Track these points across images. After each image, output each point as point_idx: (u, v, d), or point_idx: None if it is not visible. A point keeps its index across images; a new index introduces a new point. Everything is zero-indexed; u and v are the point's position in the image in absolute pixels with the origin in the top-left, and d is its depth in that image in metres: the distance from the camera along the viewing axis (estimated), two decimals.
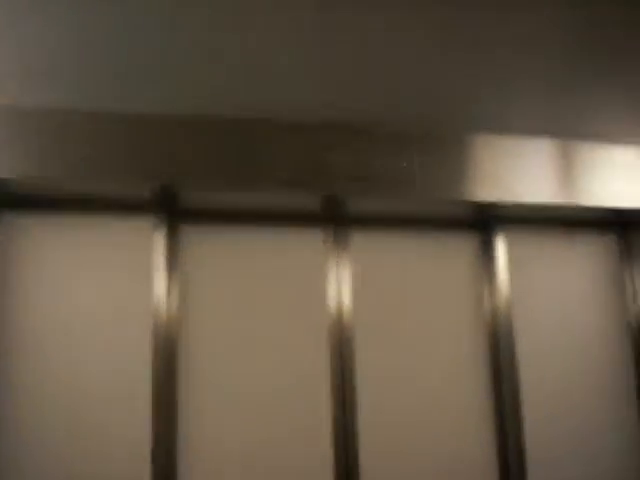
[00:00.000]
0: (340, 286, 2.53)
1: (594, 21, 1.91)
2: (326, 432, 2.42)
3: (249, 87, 2.17)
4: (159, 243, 2.36)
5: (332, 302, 2.51)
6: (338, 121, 2.41)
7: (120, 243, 2.36)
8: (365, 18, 1.84)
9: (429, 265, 2.65)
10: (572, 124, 2.55)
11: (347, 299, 2.52)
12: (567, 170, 2.60)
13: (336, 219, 2.57)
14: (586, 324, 2.76)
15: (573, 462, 2.65)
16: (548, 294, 2.74)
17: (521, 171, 2.55)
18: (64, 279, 2.29)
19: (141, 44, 1.91)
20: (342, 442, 2.41)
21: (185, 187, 2.26)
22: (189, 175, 2.26)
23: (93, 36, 1.84)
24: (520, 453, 2.55)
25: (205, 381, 2.36)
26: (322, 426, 2.42)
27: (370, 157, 2.40)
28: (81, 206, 2.35)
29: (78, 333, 2.27)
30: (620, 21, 1.90)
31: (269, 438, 2.38)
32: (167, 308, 2.34)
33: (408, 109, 2.36)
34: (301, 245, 2.53)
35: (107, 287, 2.32)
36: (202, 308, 2.41)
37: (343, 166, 2.38)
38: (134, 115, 2.25)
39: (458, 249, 2.70)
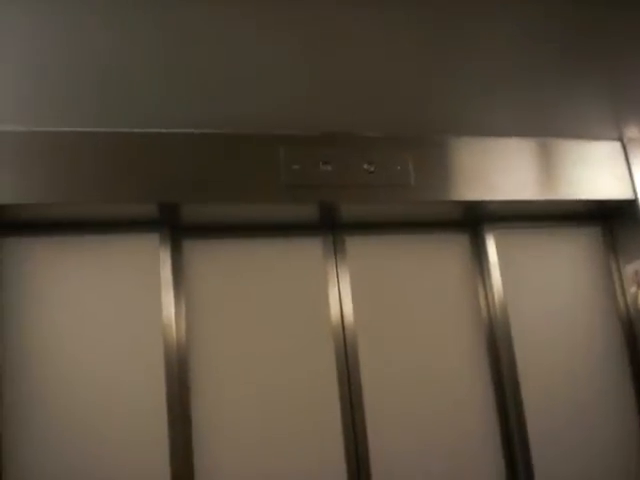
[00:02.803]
0: (341, 292, 2.61)
1: (567, 24, 2.01)
2: (337, 438, 2.47)
3: (246, 102, 2.25)
4: (165, 259, 2.44)
5: (334, 308, 2.58)
6: (333, 131, 2.51)
7: (126, 261, 2.42)
8: (355, 31, 1.93)
9: (424, 266, 2.74)
10: (551, 123, 2.67)
11: (348, 304, 2.60)
12: (549, 167, 2.72)
13: (333, 226, 2.66)
14: (578, 315, 2.85)
15: (575, 450, 2.71)
16: (539, 288, 2.83)
17: (506, 170, 2.66)
18: (73, 301, 2.35)
19: (137, 63, 1.98)
20: (353, 445, 2.46)
21: (187, 202, 2.35)
22: (190, 190, 2.34)
23: (87, 56, 1.90)
24: (524, 443, 2.61)
25: (217, 392, 2.41)
26: (332, 432, 2.47)
27: (365, 162, 2.50)
28: (85, 228, 2.41)
29: (90, 354, 2.32)
30: (592, 22, 2.01)
31: (279, 442, 2.42)
32: (176, 322, 2.40)
33: (398, 116, 2.47)
34: (301, 254, 2.62)
35: (117, 305, 2.38)
36: (209, 320, 2.47)
37: (340, 174, 2.48)
38: (131, 134, 2.33)
39: (450, 249, 2.79)
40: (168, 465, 2.28)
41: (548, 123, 2.68)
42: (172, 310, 2.40)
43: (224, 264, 2.54)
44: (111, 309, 2.37)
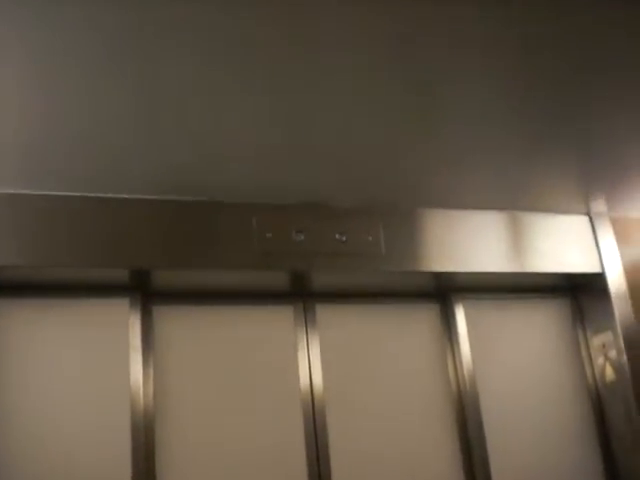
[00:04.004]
0: (310, 360, 2.60)
1: (535, 100, 2.06)
2: None
3: (220, 171, 2.28)
4: (135, 324, 2.42)
5: (303, 376, 2.58)
6: (306, 201, 2.55)
7: (96, 326, 2.41)
8: (328, 105, 1.97)
9: (394, 336, 2.74)
10: (520, 197, 2.73)
11: (318, 372, 2.59)
12: (517, 240, 2.77)
13: (304, 295, 2.67)
14: (546, 386, 2.86)
15: None
16: (508, 358, 2.85)
17: (475, 243, 2.70)
18: (41, 363, 2.32)
19: (112, 129, 2.00)
20: None
21: (157, 269, 2.36)
22: (161, 257, 2.35)
23: (62, 122, 1.92)
24: None
25: (183, 459, 2.38)
26: None
27: (337, 232, 2.54)
28: (55, 291, 2.39)
29: (56, 416, 2.28)
30: (560, 98, 2.06)
31: None
32: (144, 388, 2.38)
33: (370, 187, 2.52)
34: (271, 322, 2.61)
35: (85, 369, 2.36)
36: (177, 387, 2.44)
37: (312, 243, 2.51)
38: (104, 199, 2.34)
39: (420, 318, 2.81)
40: None
41: (517, 197, 2.73)
42: (140, 375, 2.38)
43: (194, 331, 2.53)
44: (79, 373, 2.35)
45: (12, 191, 2.26)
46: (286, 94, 1.91)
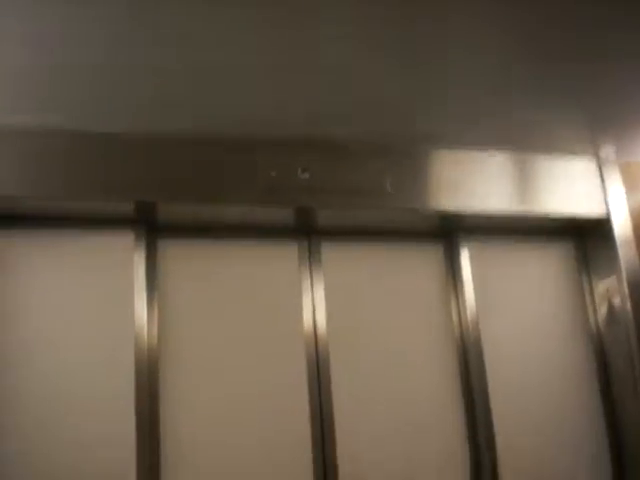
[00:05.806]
0: (314, 297, 2.61)
1: (545, 43, 2.04)
2: (305, 446, 2.46)
3: (222, 104, 2.27)
4: (139, 258, 2.44)
5: (307, 313, 2.59)
6: (311, 137, 2.53)
7: (100, 259, 2.42)
8: (338, 44, 1.96)
9: (398, 275, 2.75)
10: (526, 138, 2.71)
11: (321, 309, 2.60)
12: (524, 181, 2.75)
13: (309, 232, 2.67)
14: (548, 330, 2.86)
15: (543, 465, 2.71)
16: (511, 301, 2.85)
17: (482, 182, 2.69)
18: (47, 295, 2.34)
19: (118, 66, 1.99)
20: (321, 455, 2.46)
21: (163, 201, 2.36)
22: (167, 190, 2.35)
23: (69, 57, 1.92)
24: (493, 463, 2.61)
25: (186, 397, 2.40)
26: (301, 440, 2.46)
27: (343, 170, 2.54)
28: (62, 223, 2.41)
29: (61, 347, 2.31)
30: (570, 43, 2.04)
31: (248, 451, 2.41)
32: (148, 322, 2.40)
33: (378, 125, 2.50)
34: (276, 258, 2.62)
35: (90, 300, 2.38)
36: (181, 322, 2.47)
37: (317, 180, 2.50)
38: (110, 134, 2.35)
39: (425, 258, 2.81)
40: (134, 465, 2.27)
41: (524, 138, 2.71)
42: (144, 308, 2.40)
43: (198, 265, 2.54)
44: (82, 306, 2.37)
45: (21, 125, 2.26)
46: (289, 27, 1.90)
